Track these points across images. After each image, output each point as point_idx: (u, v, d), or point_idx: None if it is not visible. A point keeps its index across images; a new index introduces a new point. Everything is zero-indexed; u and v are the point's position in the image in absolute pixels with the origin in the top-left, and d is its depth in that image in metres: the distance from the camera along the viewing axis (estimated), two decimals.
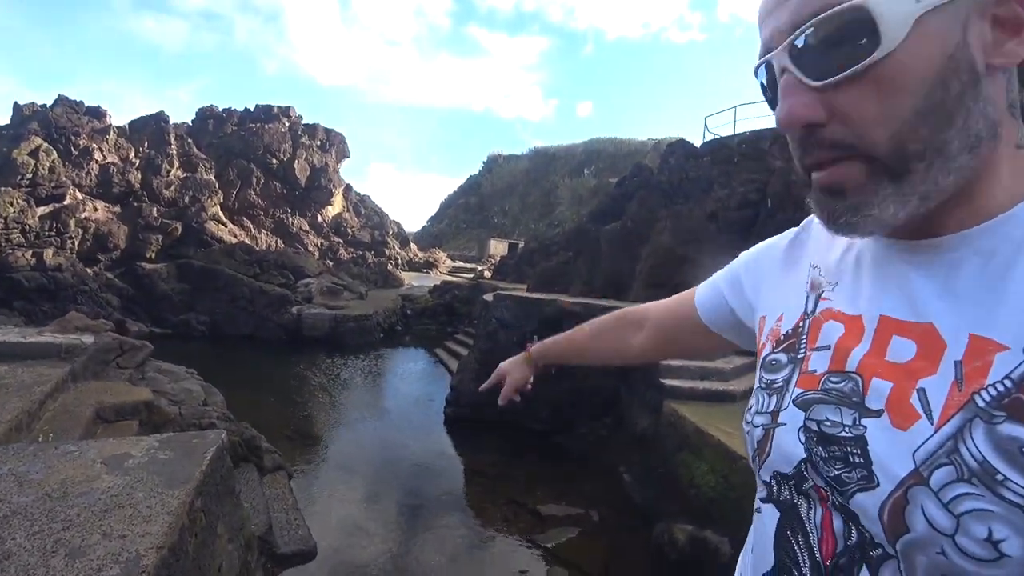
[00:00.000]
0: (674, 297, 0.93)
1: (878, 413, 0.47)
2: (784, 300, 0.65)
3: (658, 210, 10.87)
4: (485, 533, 5.41)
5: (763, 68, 0.52)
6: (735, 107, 12.33)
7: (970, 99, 0.44)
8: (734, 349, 0.86)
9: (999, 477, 0.39)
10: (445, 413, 8.66)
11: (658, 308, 0.96)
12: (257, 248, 21.50)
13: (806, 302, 0.62)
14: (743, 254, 0.79)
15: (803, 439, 0.53)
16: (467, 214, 55.33)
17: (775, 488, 0.57)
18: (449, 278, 25.01)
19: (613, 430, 7.11)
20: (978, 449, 0.41)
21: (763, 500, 0.60)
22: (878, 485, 0.45)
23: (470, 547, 5.18)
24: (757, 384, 0.63)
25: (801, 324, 0.61)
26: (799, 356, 0.59)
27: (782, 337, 0.63)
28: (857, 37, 0.43)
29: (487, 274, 26.11)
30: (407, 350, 15.14)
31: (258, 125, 25.71)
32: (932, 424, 0.43)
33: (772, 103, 0.52)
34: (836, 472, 0.49)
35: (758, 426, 0.59)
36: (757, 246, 0.77)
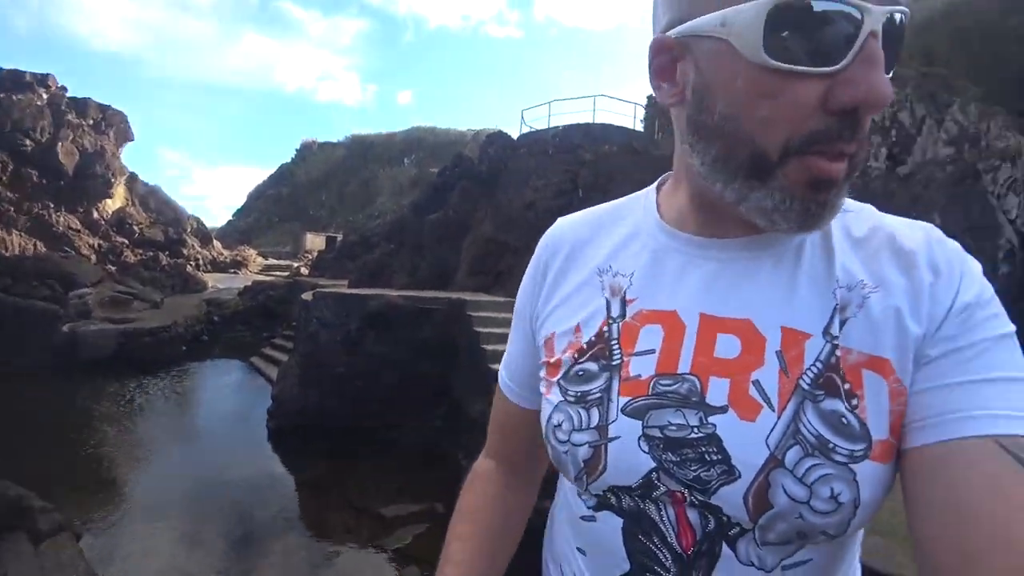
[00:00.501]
0: (493, 411, 0.79)
1: (723, 409, 0.50)
2: (575, 310, 0.62)
3: (479, 200, 11.18)
4: (328, 548, 5.15)
5: (838, 6, 0.41)
6: (550, 102, 13.04)
7: None
8: None
9: (831, 445, 0.46)
10: (268, 426, 8.01)
11: (492, 441, 0.79)
12: (6, 254, 17.38)
13: (608, 307, 0.60)
14: (523, 283, 0.72)
15: (646, 448, 0.52)
16: (279, 206, 51.28)
17: (612, 499, 0.56)
18: (262, 277, 22.90)
19: (448, 419, 7.21)
20: (813, 426, 0.47)
21: (593, 509, 0.58)
22: (740, 476, 0.48)
23: (313, 567, 4.90)
24: (560, 398, 0.59)
25: (607, 329, 0.59)
26: (614, 363, 0.56)
27: (585, 346, 0.60)
28: (903, 39, 0.44)
29: (304, 271, 24.70)
30: (217, 362, 13.57)
31: (3, 95, 20.49)
32: (774, 411, 0.48)
33: (809, 44, 0.42)
34: (695, 473, 0.50)
35: (581, 444, 0.56)
36: (529, 270, 0.71)
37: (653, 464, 0.52)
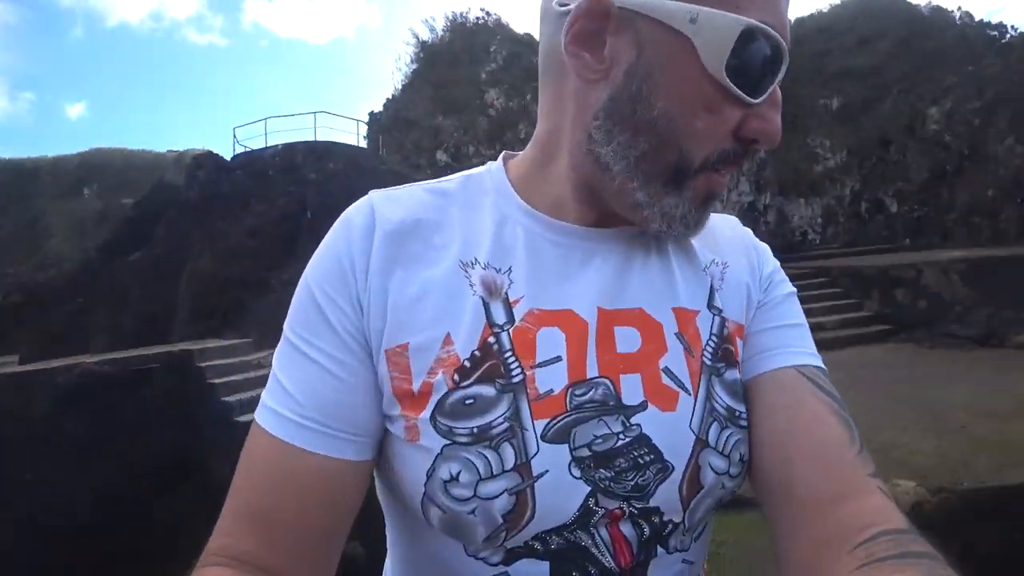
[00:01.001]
0: (243, 481, 0.49)
1: (643, 406, 0.48)
2: (437, 315, 0.49)
3: (192, 231, 9.80)
4: None
5: (773, 47, 0.43)
6: (266, 119, 12.22)
7: None
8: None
9: (737, 413, 0.51)
10: None
11: (237, 533, 0.47)
12: None
13: (487, 310, 0.49)
14: (311, 287, 0.50)
15: (578, 473, 0.46)
16: None
17: (536, 545, 0.47)
18: None
19: (200, 493, 6.15)
20: (722, 399, 0.50)
21: (504, 563, 0.48)
22: (673, 469, 0.47)
23: None
24: (445, 442, 0.45)
25: (493, 340, 0.48)
26: (515, 380, 0.47)
27: (467, 364, 0.47)
28: None
29: None
30: None
31: None
32: (691, 394, 0.49)
33: (747, 78, 0.43)
34: (632, 482, 0.46)
35: (497, 495, 0.45)
36: (317, 268, 0.51)
37: (588, 489, 0.46)
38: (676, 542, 0.50)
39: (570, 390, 0.47)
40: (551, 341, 0.48)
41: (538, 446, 0.45)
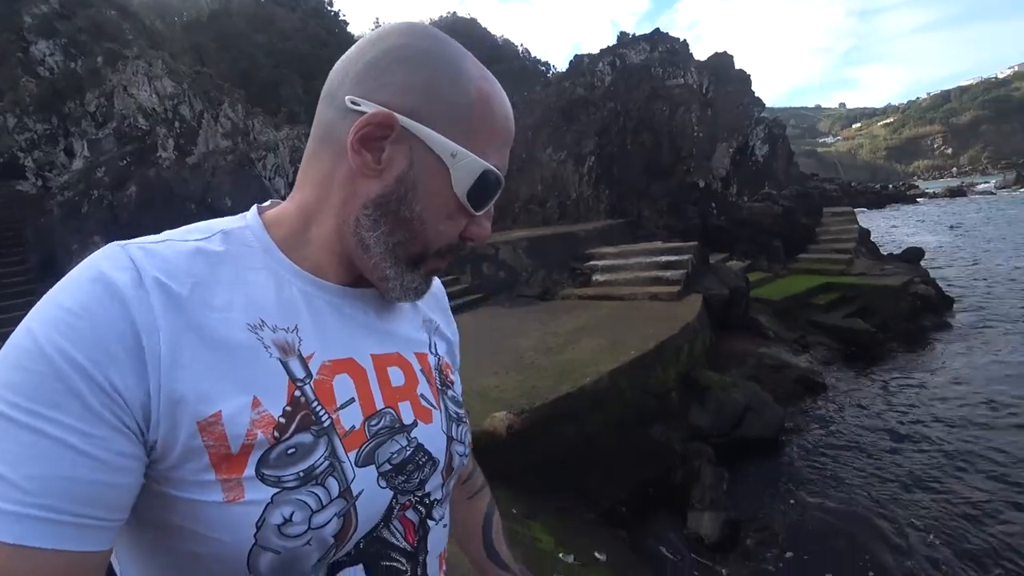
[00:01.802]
0: None
1: (414, 424, 0.62)
2: (240, 383, 0.49)
3: None
4: None
5: (495, 180, 0.59)
6: None
7: None
8: None
9: (459, 413, 0.72)
10: None
11: None
12: None
13: (287, 369, 0.53)
14: (37, 358, 0.42)
15: (384, 484, 0.57)
16: None
17: (352, 552, 0.55)
18: None
19: None
20: (452, 407, 0.70)
21: (330, 573, 0.53)
22: (439, 463, 0.64)
23: None
24: (274, 490, 0.48)
25: (300, 394, 0.53)
26: (325, 424, 0.53)
27: (283, 420, 0.50)
28: None
29: None
30: None
31: None
32: (438, 409, 0.67)
33: (480, 200, 0.59)
34: (417, 480, 0.60)
35: (327, 522, 0.50)
36: (67, 332, 0.43)
37: (391, 493, 0.57)
38: (438, 514, 0.65)
39: (367, 422, 0.57)
40: (344, 386, 0.57)
41: (354, 472, 0.54)
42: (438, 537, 0.65)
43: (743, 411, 5.41)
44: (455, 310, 0.84)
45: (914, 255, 12.38)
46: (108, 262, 0.48)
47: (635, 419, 4.85)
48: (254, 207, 0.62)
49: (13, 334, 0.44)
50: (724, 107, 14.05)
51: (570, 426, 4.33)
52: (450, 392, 0.72)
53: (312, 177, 0.59)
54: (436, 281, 0.77)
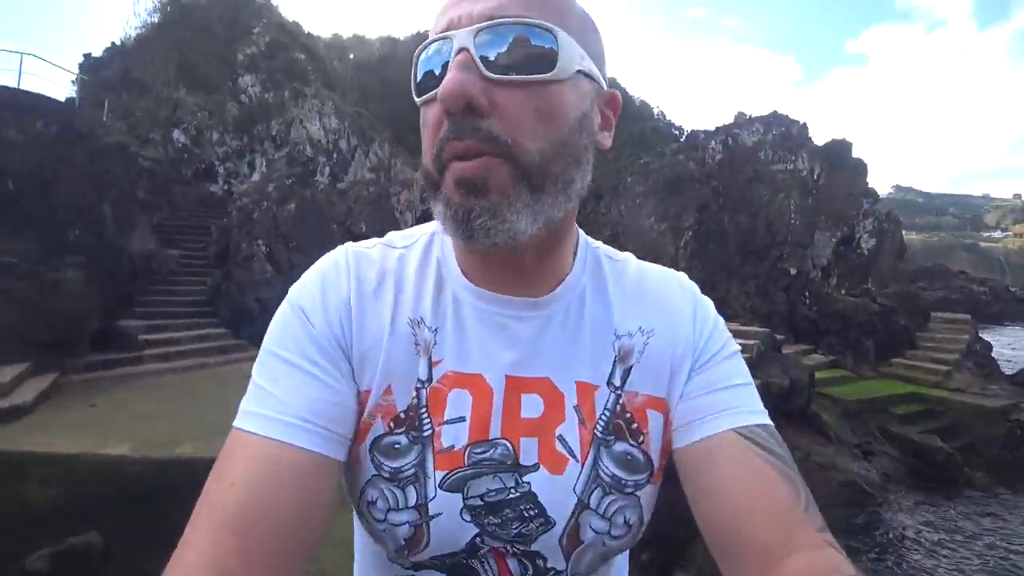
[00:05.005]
0: (207, 495, 0.49)
1: (535, 467, 0.55)
2: (386, 366, 0.56)
3: None
4: None
5: (436, 44, 0.50)
6: None
7: (587, 156, 0.54)
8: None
9: (623, 481, 0.57)
10: None
11: (221, 542, 0.45)
12: None
13: (418, 367, 0.57)
14: (296, 314, 0.57)
15: (469, 518, 0.54)
16: None
17: (436, 563, 0.57)
18: None
19: None
20: (608, 468, 0.57)
21: (412, 569, 0.58)
22: (555, 524, 0.55)
23: None
24: (373, 472, 0.55)
25: (416, 396, 0.56)
26: (424, 434, 0.55)
27: (401, 415, 0.56)
28: (539, 53, 0.48)
29: None
30: None
31: None
32: (579, 462, 0.56)
33: (427, 86, 0.51)
34: (516, 530, 0.54)
35: (400, 524, 0.54)
36: (307, 298, 0.58)
37: (476, 530, 0.55)
38: None
39: (469, 448, 0.55)
40: (459, 402, 0.56)
41: (436, 492, 0.54)
42: None
43: None
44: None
45: None
46: (331, 260, 0.61)
47: None
48: None
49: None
50: (832, 195, 13.80)
51: None
52: (618, 447, 0.57)
53: None
54: (676, 278, 0.67)
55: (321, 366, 0.54)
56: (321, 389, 0.54)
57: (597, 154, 0.57)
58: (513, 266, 0.57)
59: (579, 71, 0.51)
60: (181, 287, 9.92)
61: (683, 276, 0.68)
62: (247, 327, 9.37)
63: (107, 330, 7.61)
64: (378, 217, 12.15)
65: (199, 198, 13.54)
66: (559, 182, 0.51)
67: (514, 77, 0.48)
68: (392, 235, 0.67)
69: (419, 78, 0.53)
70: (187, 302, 9.71)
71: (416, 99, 0.53)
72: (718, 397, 0.58)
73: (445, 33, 0.50)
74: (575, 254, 0.63)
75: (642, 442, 0.58)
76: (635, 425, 0.58)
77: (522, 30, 0.48)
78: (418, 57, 0.53)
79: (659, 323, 0.61)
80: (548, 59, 0.49)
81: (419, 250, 0.63)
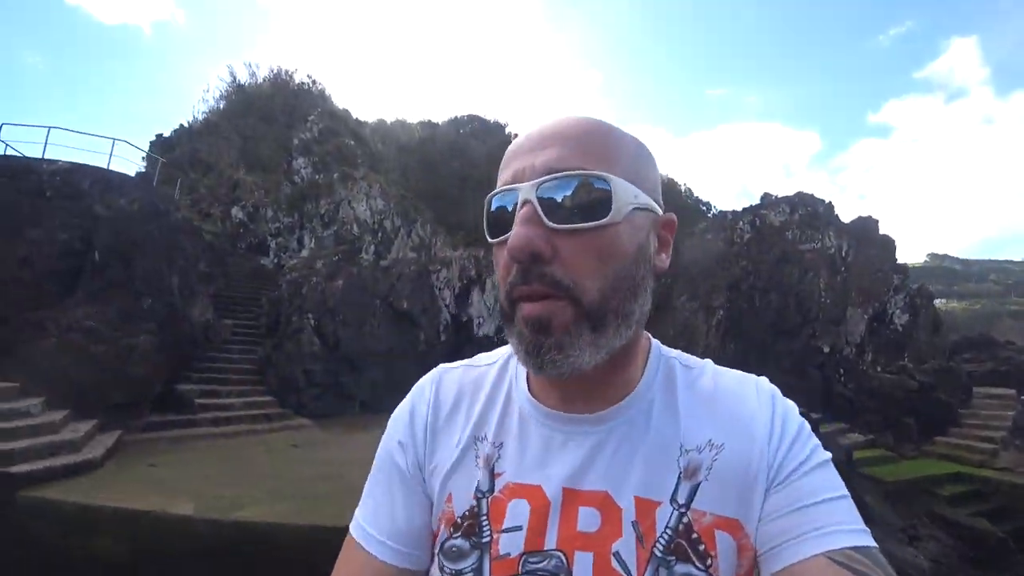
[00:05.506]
0: None
1: None
2: (453, 477, 0.63)
3: None
4: None
5: (505, 195, 0.55)
6: (49, 127, 10.68)
7: (646, 284, 0.57)
8: None
9: None
10: None
11: None
12: None
13: (479, 480, 0.61)
14: (391, 433, 0.70)
15: None
16: None
17: None
18: None
19: None
20: None
21: None
22: None
23: None
24: (439, 573, 0.61)
25: (476, 504, 0.60)
26: (484, 540, 0.58)
27: (459, 520, 0.61)
28: (596, 199, 0.52)
29: None
30: None
31: None
32: None
33: (497, 229, 0.56)
34: None
35: None
36: (399, 419, 0.70)
37: None
38: None
39: (524, 557, 0.56)
40: (517, 511, 0.58)
41: None
42: None
43: None
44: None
45: None
46: (423, 380, 0.72)
47: None
48: None
49: None
50: (862, 272, 13.94)
51: None
52: (679, 569, 0.54)
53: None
54: (753, 383, 0.63)
55: (405, 491, 0.65)
56: (403, 508, 0.65)
57: None
58: (579, 385, 0.59)
59: (634, 208, 0.55)
60: (234, 355, 10.42)
61: (763, 381, 0.64)
62: (293, 396, 9.77)
63: (166, 393, 8.07)
64: (419, 294, 12.67)
65: (251, 270, 14.35)
66: (619, 315, 0.54)
67: (574, 226, 0.52)
68: (480, 356, 0.74)
69: (490, 222, 0.58)
70: (239, 370, 10.17)
71: (489, 239, 0.59)
72: (804, 516, 0.53)
73: (511, 185, 0.55)
74: (647, 362, 0.64)
75: (710, 566, 0.54)
76: (702, 547, 0.54)
77: (579, 180, 0.53)
78: (489, 203, 0.58)
79: (731, 436, 0.58)
80: (604, 204, 0.53)
81: (496, 369, 0.70)
